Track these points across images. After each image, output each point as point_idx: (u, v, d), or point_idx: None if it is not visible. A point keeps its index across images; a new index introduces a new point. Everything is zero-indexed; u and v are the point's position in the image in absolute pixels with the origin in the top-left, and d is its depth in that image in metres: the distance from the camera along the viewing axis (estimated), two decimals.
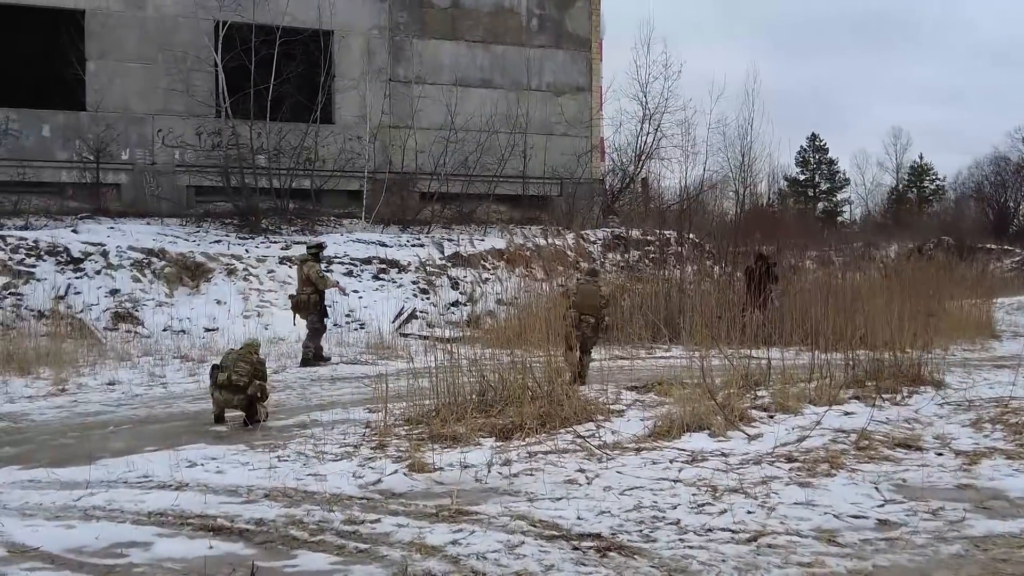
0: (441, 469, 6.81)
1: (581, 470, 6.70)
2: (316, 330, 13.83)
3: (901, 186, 63.44)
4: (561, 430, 8.04)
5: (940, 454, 6.97)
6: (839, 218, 60.66)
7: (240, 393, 8.76)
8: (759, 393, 9.47)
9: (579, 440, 7.56)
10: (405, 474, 6.70)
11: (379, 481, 6.55)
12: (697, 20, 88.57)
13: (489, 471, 6.69)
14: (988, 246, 37.57)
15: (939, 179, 62.26)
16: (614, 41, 47.57)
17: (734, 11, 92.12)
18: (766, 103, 60.60)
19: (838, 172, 64.01)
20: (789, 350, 12.73)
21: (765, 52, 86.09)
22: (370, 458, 7.23)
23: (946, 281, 19.24)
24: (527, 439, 7.79)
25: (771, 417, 8.46)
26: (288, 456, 7.41)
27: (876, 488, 5.97)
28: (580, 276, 11.96)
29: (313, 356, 13.58)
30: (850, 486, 6.05)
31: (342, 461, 7.17)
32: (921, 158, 62.89)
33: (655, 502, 5.77)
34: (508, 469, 6.77)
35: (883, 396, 9.27)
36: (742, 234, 23.33)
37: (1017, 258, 38.09)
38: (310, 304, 13.74)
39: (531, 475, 6.59)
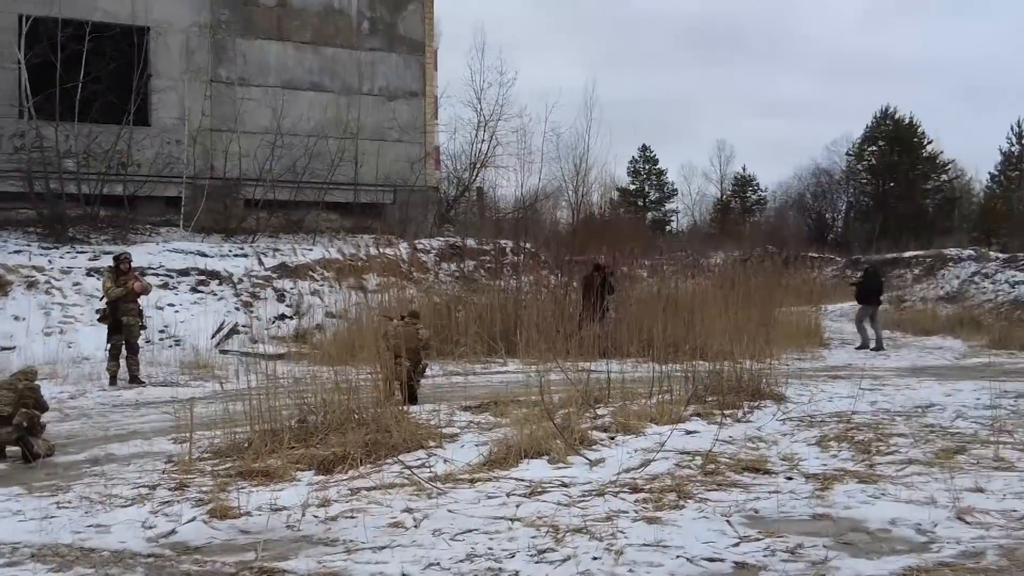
0: (248, 514, 5.93)
1: (408, 510, 5.95)
2: (117, 347, 12.69)
3: (725, 197, 65.28)
4: (389, 460, 7.29)
5: (790, 478, 6.55)
6: (668, 227, 61.95)
7: (5, 425, 7.62)
8: (599, 412, 8.98)
9: (408, 472, 6.81)
10: (205, 521, 5.79)
11: (173, 532, 5.63)
12: (532, 30, 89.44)
13: (304, 514, 5.86)
14: (810, 255, 38.72)
15: (761, 190, 64.45)
16: (451, 46, 47.10)
17: (567, 20, 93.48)
18: (601, 113, 61.26)
19: (667, 183, 65.48)
20: (627, 362, 12.40)
21: (600, 62, 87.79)
22: (166, 502, 6.28)
23: (776, 289, 19.42)
24: (351, 472, 7.00)
25: (612, 439, 7.94)
26: (69, 501, 6.37)
27: (728, 522, 5.46)
28: (397, 318, 11.22)
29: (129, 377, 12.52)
30: (701, 520, 5.53)
31: (133, 507, 6.18)
32: (744, 169, 65.03)
33: (490, 549, 5.08)
34: (326, 511, 5.96)
35: (725, 413, 8.92)
36: (578, 243, 23.10)
37: (837, 266, 39.46)
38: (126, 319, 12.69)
39: (352, 517, 5.80)
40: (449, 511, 5.89)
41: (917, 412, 9.16)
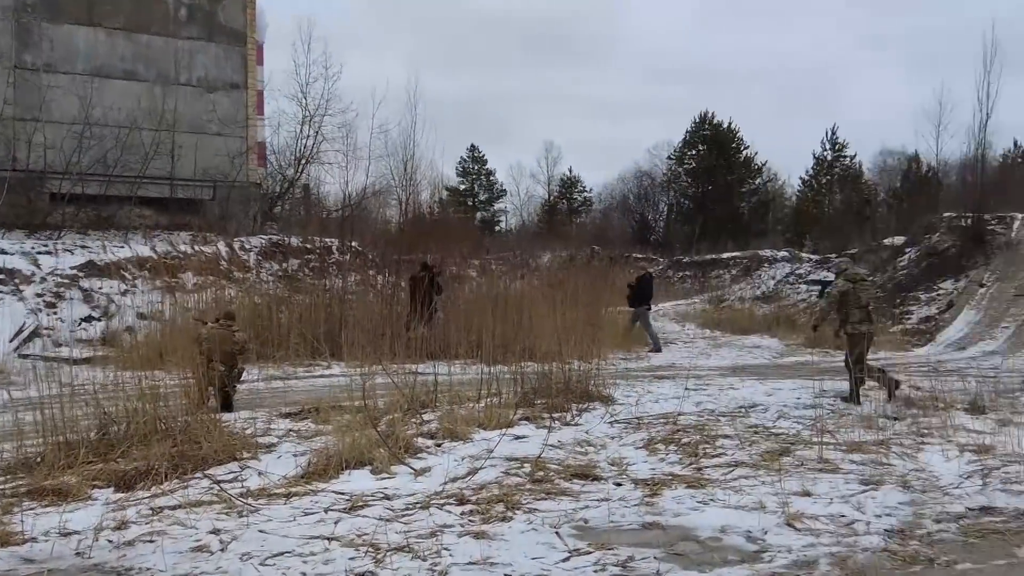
0: (34, 539, 5.30)
1: (216, 531, 5.45)
2: None
3: (553, 198, 66.03)
4: (197, 474, 6.74)
5: (619, 484, 6.39)
6: (497, 227, 62.21)
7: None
8: (426, 417, 8.65)
9: (217, 488, 6.29)
10: None
11: None
12: (360, 25, 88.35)
13: (96, 539, 5.27)
14: (634, 255, 39.54)
15: (587, 191, 65.47)
16: (279, 39, 45.73)
17: (397, 17, 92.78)
18: (429, 111, 61.00)
19: (496, 183, 65.74)
20: (456, 363, 12.13)
21: (428, 60, 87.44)
22: None
23: (602, 289, 19.58)
24: (154, 488, 6.43)
25: (439, 446, 7.62)
26: None
27: (557, 534, 5.23)
28: (212, 320, 10.57)
29: None
30: (530, 532, 5.27)
31: None
32: (571, 171, 65.88)
33: (303, 574, 4.67)
34: (122, 535, 5.39)
35: (554, 416, 8.75)
36: (406, 242, 22.70)
37: (660, 266, 40.47)
38: None
39: (151, 541, 5.25)
40: (261, 531, 5.43)
41: (741, 412, 9.23)
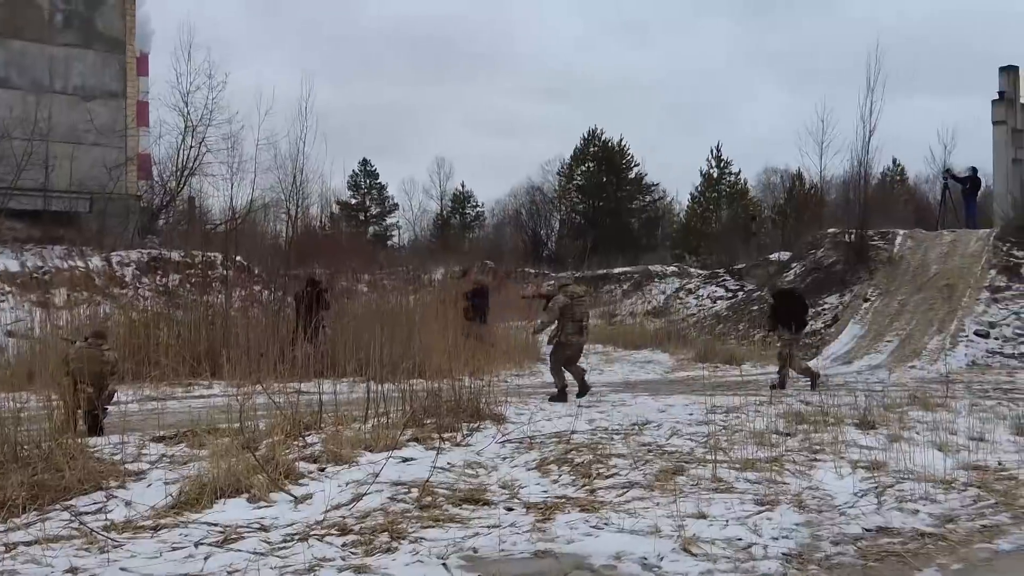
0: None
1: (73, 569, 5.00)
2: None
3: (445, 212, 65.76)
4: (58, 505, 6.24)
5: (510, 509, 6.13)
6: (389, 242, 61.63)
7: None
8: (310, 440, 8.25)
9: (77, 521, 5.81)
10: None
11: None
12: (248, 34, 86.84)
13: None
14: (526, 270, 39.54)
15: (479, 206, 65.36)
16: (164, 47, 44.27)
17: (286, 27, 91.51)
18: (319, 123, 59.69)
19: (388, 197, 65.12)
20: (343, 382, 11.79)
21: (320, 71, 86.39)
22: None
23: (495, 304, 19.39)
24: (10, 521, 5.91)
25: (322, 470, 7.25)
26: None
27: (445, 565, 4.93)
28: (81, 339, 9.98)
29: None
30: (415, 565, 4.96)
31: None
32: (463, 186, 65.64)
33: None
34: None
35: (443, 437, 8.45)
36: (294, 257, 22.16)
37: (551, 281, 40.52)
38: None
39: None
40: (123, 568, 5.01)
41: (634, 430, 9.08)
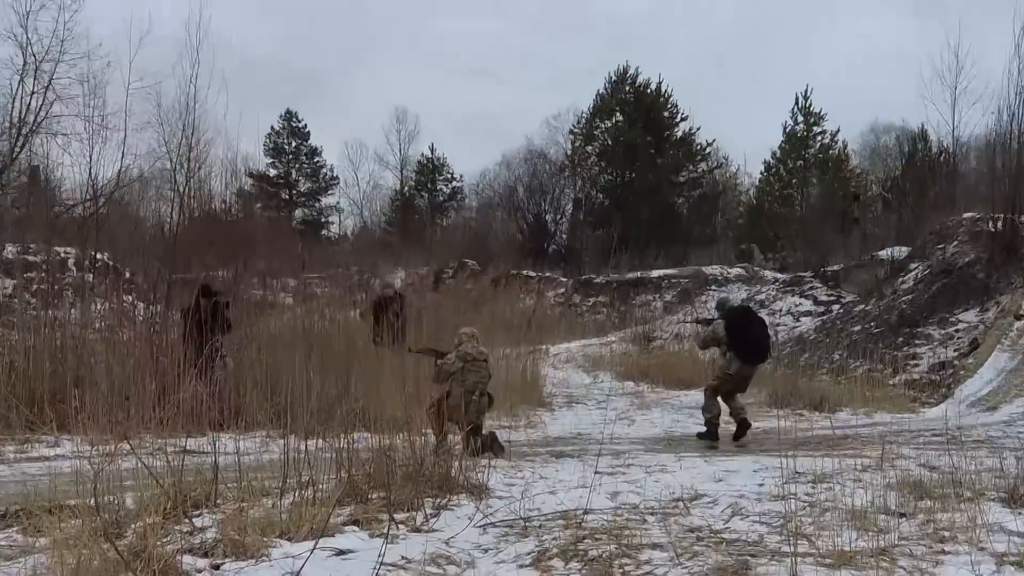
0: None
1: None
2: None
3: (407, 188, 65.76)
4: None
5: None
6: (325, 232, 61.79)
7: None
8: (199, 523, 8.22)
9: None
10: None
11: None
12: None
13: None
14: (527, 273, 39.67)
15: (457, 180, 65.37)
16: None
17: None
18: (224, 59, 59.22)
19: (323, 167, 65.15)
20: (251, 437, 11.82)
21: None
22: None
23: (489, 324, 19.49)
24: None
25: (217, 568, 7.21)
26: None
27: None
28: None
29: None
30: None
31: None
32: (433, 151, 65.48)
33: None
34: None
35: (396, 519, 8.43)
36: (186, 255, 22.18)
37: (561, 289, 40.63)
38: None
39: None
40: None
41: (677, 508, 9.06)
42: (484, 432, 12.97)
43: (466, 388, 12.69)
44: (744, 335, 14.93)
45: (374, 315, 19.03)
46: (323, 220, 64.29)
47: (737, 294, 34.08)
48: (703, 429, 15.19)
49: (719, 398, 15.15)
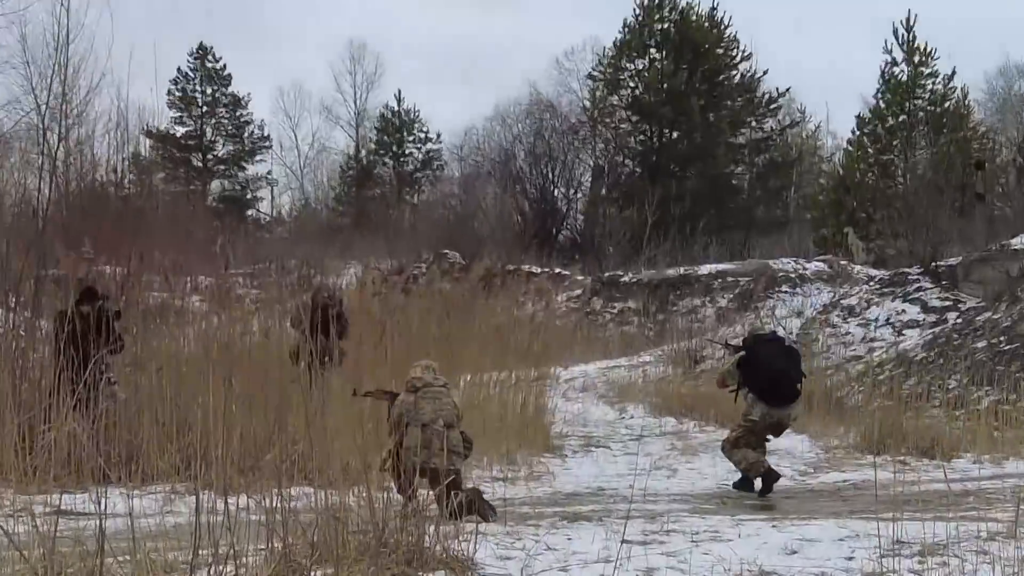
0: None
1: None
2: None
3: (367, 154, 65.70)
4: None
5: None
6: (252, 211, 61.85)
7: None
8: None
9: None
10: None
11: None
12: None
13: None
14: (530, 269, 39.71)
15: (433, 140, 65.28)
16: None
17: None
18: None
19: (250, 122, 65.10)
20: (150, 493, 11.85)
21: None
22: None
23: (465, 337, 19.49)
24: None
25: None
26: None
27: None
28: None
29: None
30: None
31: None
32: (400, 100, 65.43)
33: None
34: None
35: None
36: (55, 243, 22.22)
37: (577, 291, 40.60)
38: None
39: None
40: None
41: None
42: (465, 487, 12.80)
43: (423, 422, 12.47)
44: (762, 368, 15.13)
45: (310, 324, 18.26)
46: (249, 196, 64.43)
47: (810, 299, 34.06)
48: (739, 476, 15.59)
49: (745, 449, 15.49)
